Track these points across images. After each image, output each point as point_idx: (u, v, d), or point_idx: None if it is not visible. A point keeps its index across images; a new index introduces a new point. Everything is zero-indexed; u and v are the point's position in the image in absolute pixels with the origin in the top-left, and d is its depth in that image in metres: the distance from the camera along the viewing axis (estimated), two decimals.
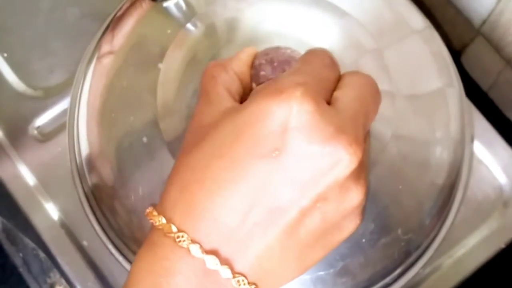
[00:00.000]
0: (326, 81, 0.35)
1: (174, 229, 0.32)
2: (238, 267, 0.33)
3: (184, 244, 0.32)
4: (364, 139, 0.34)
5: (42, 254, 0.56)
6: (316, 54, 0.37)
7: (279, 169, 0.32)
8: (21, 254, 0.57)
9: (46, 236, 0.56)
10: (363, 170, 0.34)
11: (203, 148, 0.33)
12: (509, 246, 0.57)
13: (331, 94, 0.35)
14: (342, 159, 0.32)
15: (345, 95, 0.35)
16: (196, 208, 0.32)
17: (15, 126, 0.60)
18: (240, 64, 0.40)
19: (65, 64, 0.61)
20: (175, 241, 0.32)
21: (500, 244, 0.57)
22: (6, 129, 0.60)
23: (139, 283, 0.33)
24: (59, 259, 0.56)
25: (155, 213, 0.34)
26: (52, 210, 0.57)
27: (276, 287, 0.34)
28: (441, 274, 0.56)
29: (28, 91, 0.61)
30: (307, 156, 0.32)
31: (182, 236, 0.32)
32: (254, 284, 0.33)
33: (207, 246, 0.32)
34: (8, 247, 0.57)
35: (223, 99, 0.37)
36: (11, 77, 0.61)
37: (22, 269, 0.57)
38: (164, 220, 0.33)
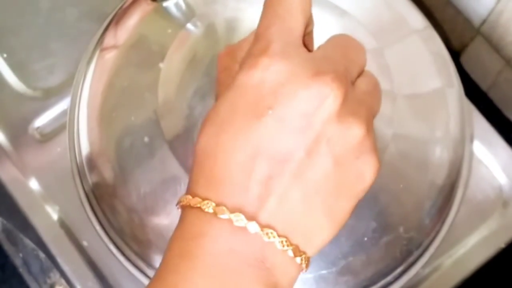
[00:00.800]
0: (296, 28, 0.37)
1: (198, 199, 0.34)
2: (264, 221, 0.34)
3: (210, 210, 0.34)
4: (348, 77, 0.36)
5: (42, 254, 0.56)
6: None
7: (275, 123, 0.34)
8: (21, 255, 0.57)
9: (46, 236, 0.56)
10: (358, 106, 0.36)
11: (210, 129, 0.35)
12: (509, 246, 0.57)
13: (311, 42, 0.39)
14: (327, 94, 0.34)
15: (322, 46, 0.38)
16: (214, 178, 0.34)
17: (15, 126, 0.60)
18: (247, 46, 0.40)
19: (65, 64, 0.61)
20: (201, 209, 0.34)
21: (500, 243, 0.57)
22: (6, 130, 0.60)
23: (170, 251, 0.35)
24: (59, 259, 0.56)
25: (181, 197, 0.36)
26: (52, 210, 0.57)
27: (312, 243, 0.35)
28: (441, 274, 0.56)
29: (28, 91, 0.61)
30: (296, 103, 0.34)
31: (207, 203, 0.34)
32: (285, 237, 0.34)
33: (231, 207, 0.34)
34: (8, 248, 0.57)
35: None
36: (11, 78, 0.61)
37: (22, 270, 0.57)
38: (189, 197, 0.35)
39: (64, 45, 0.62)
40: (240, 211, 0.33)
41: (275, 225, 0.34)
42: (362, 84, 0.37)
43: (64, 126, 0.56)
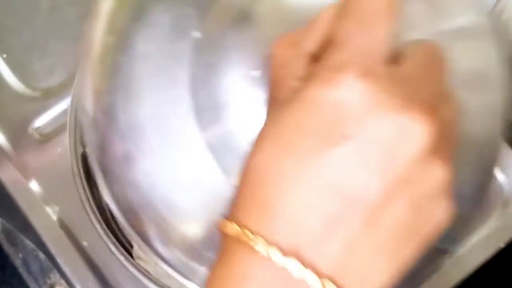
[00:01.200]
0: (383, 39, 0.31)
1: (248, 233, 0.30)
2: (322, 270, 0.29)
3: (260, 248, 0.29)
4: (437, 107, 0.31)
5: (41, 255, 0.56)
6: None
7: (350, 155, 0.29)
8: (21, 255, 0.57)
9: (46, 237, 0.56)
10: (446, 142, 0.31)
11: (270, 149, 0.31)
12: (508, 245, 0.57)
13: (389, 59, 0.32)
14: (416, 131, 0.29)
15: (408, 64, 0.32)
16: (269, 210, 0.30)
17: (14, 126, 0.60)
18: (315, 37, 0.33)
19: (65, 64, 0.61)
20: (250, 246, 0.29)
21: (499, 243, 0.57)
22: (5, 130, 0.60)
23: (211, 285, 0.31)
24: (59, 260, 0.56)
25: (227, 222, 0.31)
26: (52, 211, 0.57)
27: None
28: (441, 274, 0.56)
29: (28, 91, 0.61)
30: (378, 135, 0.29)
31: (258, 240, 0.29)
32: (340, 287, 0.29)
33: (286, 249, 0.29)
34: (8, 248, 0.57)
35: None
36: (11, 78, 0.61)
37: (22, 270, 0.57)
38: (237, 227, 0.30)
39: (64, 45, 0.62)
40: (296, 254, 0.29)
41: (334, 274, 0.29)
42: (446, 112, 0.32)
43: (64, 126, 0.56)
